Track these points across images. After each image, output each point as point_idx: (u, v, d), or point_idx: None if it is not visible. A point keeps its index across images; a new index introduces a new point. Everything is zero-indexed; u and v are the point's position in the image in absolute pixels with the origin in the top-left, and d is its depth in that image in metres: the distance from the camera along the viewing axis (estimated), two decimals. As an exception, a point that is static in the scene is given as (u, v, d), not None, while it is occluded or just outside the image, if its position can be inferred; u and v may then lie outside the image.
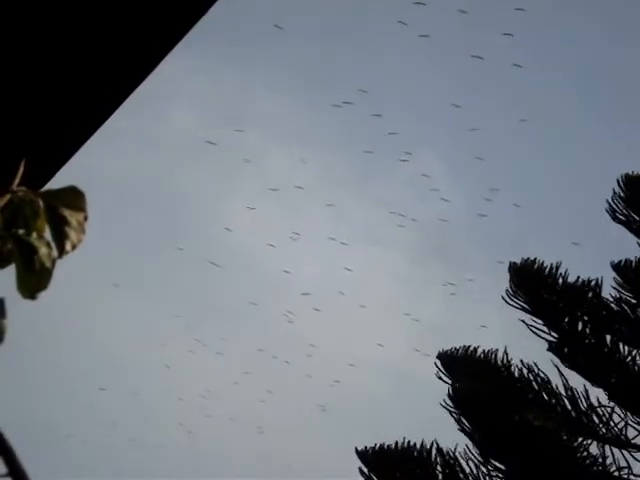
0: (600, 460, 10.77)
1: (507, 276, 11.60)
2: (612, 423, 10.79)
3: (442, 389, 11.31)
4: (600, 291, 11.20)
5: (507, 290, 11.45)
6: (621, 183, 11.46)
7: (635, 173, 11.44)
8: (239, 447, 18.43)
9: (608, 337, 11.14)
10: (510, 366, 11.37)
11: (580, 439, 10.78)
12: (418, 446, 10.97)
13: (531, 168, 22.25)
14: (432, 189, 16.76)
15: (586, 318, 11.13)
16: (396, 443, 11.05)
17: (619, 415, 10.83)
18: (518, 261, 11.45)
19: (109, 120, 1.71)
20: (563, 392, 11.03)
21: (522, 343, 12.36)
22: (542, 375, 11.14)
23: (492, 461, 10.91)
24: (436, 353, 11.75)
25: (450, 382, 11.29)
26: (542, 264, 11.35)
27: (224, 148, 17.73)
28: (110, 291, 18.99)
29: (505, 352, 11.44)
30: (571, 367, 11.11)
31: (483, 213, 17.08)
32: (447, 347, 11.74)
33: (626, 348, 11.10)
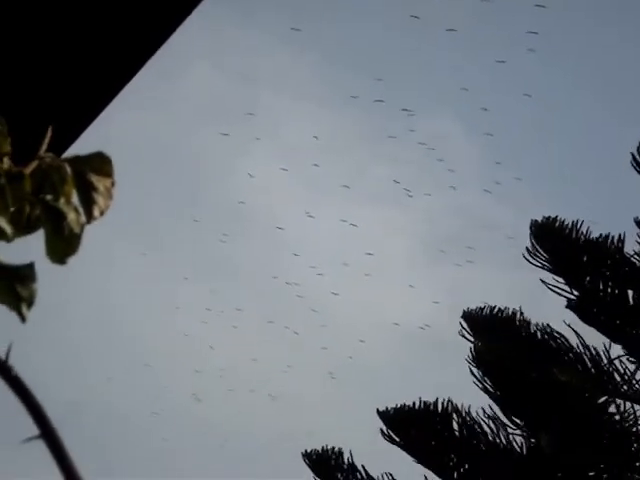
0: (619, 417, 10.81)
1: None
2: (634, 381, 10.81)
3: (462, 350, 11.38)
4: (622, 246, 11.17)
5: (527, 247, 11.45)
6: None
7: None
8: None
9: (630, 293, 11.13)
10: (529, 325, 11.41)
11: (603, 397, 10.82)
12: (436, 406, 11.06)
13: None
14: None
15: (608, 274, 11.10)
16: (413, 403, 11.13)
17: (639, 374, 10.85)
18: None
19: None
20: (582, 350, 11.05)
21: (532, 305, 12.41)
22: (558, 334, 11.17)
23: (514, 419, 10.98)
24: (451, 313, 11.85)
25: (474, 341, 11.34)
26: (563, 221, 11.32)
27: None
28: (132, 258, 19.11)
29: (520, 312, 11.48)
30: (591, 324, 11.11)
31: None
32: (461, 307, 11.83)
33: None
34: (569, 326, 11.11)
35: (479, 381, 11.02)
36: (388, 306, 19.26)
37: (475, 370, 11.12)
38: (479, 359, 11.08)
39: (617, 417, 10.78)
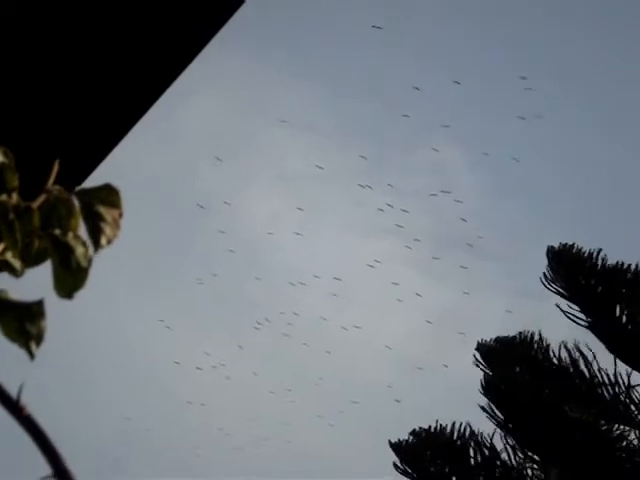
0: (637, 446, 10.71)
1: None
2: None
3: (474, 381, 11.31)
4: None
5: (545, 274, 11.40)
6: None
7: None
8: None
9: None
10: (547, 349, 11.32)
11: (618, 427, 10.72)
12: (450, 431, 10.95)
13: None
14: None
15: (624, 303, 11.04)
16: (429, 427, 11.00)
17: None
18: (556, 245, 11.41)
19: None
20: (599, 376, 10.97)
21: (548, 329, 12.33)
22: (579, 356, 11.08)
23: (526, 451, 10.88)
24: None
25: (488, 372, 11.27)
26: (580, 249, 11.28)
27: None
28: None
29: (540, 335, 11.40)
30: (610, 350, 11.04)
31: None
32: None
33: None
34: (590, 350, 11.04)
35: (489, 414, 10.94)
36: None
37: (485, 401, 11.05)
38: (488, 389, 11.00)
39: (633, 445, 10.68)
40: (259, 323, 17.39)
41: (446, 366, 15.62)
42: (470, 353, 11.46)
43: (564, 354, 11.16)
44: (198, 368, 17.49)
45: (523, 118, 16.29)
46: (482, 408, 10.94)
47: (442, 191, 16.24)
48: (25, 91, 1.57)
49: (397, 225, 16.65)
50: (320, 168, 17.22)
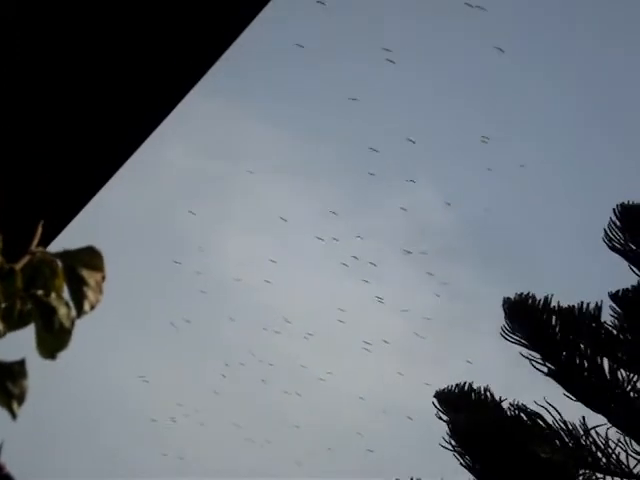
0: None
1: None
2: (614, 455, 10.77)
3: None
4: (599, 315, 11.19)
5: (503, 326, 11.47)
6: (617, 212, 11.50)
7: (631, 202, 11.47)
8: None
9: (606, 361, 11.12)
10: (501, 404, 11.38)
11: (582, 471, 10.76)
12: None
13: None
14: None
15: (584, 345, 11.11)
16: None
17: (620, 446, 10.80)
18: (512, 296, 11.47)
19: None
20: (561, 424, 11.01)
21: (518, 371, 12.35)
22: (532, 412, 11.12)
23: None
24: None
25: (449, 419, 11.28)
26: (534, 297, 11.35)
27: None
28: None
29: (488, 390, 11.45)
30: (572, 394, 11.09)
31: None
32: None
33: (624, 374, 11.07)
34: (547, 404, 11.09)
35: (458, 458, 10.95)
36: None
37: (452, 446, 11.06)
38: (454, 435, 11.01)
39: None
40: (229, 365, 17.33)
41: (410, 418, 15.57)
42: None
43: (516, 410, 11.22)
44: (172, 419, 17.35)
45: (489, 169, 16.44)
46: (454, 450, 10.95)
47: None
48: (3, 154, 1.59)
49: (364, 280, 16.74)
50: (284, 220, 17.24)
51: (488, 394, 11.40)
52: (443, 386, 11.59)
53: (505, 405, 11.34)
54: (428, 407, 11.57)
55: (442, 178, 20.97)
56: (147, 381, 17.86)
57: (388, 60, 14.33)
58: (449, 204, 17.95)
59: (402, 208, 16.96)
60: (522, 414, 11.13)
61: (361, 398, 17.29)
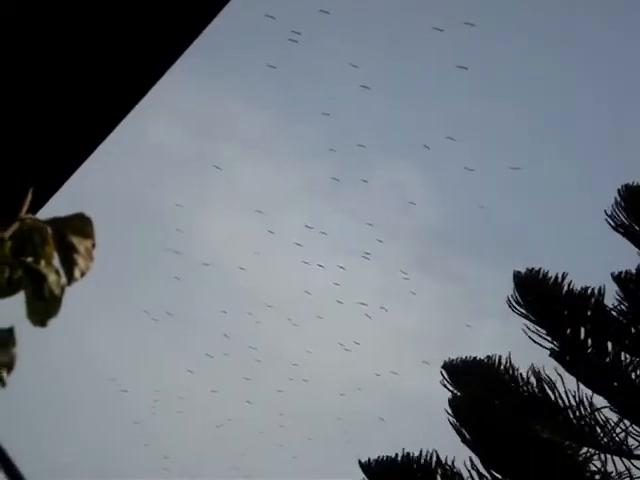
0: (602, 470, 10.75)
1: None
2: (614, 434, 10.77)
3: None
4: (602, 299, 11.19)
5: (511, 298, 11.46)
6: (621, 193, 11.47)
7: (635, 183, 11.45)
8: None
9: (609, 344, 11.13)
10: (514, 372, 11.36)
11: (584, 450, 10.76)
12: (418, 457, 10.97)
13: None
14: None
15: (588, 327, 11.11)
16: (396, 455, 11.04)
17: (620, 426, 10.81)
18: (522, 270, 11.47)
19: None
20: (566, 400, 11.01)
21: (524, 350, 12.37)
22: (547, 379, 11.12)
23: (493, 472, 10.90)
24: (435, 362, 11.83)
25: (454, 391, 11.30)
26: (546, 274, 11.35)
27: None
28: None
29: (508, 358, 11.44)
30: (573, 374, 11.09)
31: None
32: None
33: (627, 357, 11.08)
34: (559, 375, 11.09)
35: (457, 432, 10.96)
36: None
37: (453, 420, 11.08)
38: (454, 409, 11.03)
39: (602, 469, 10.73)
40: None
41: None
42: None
43: (531, 377, 11.22)
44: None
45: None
46: (454, 427, 10.97)
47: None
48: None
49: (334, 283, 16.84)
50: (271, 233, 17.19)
51: (497, 362, 11.40)
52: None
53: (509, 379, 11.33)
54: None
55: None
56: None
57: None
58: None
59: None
60: (530, 386, 11.13)
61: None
